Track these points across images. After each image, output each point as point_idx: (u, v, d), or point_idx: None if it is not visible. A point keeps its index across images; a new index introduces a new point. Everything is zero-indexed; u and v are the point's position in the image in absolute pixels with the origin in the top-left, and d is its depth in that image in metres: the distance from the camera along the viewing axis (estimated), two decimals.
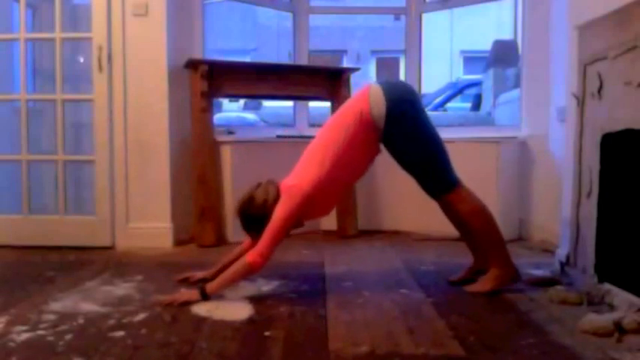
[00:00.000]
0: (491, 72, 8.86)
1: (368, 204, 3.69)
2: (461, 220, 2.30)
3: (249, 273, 2.11)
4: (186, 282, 2.34)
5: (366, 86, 2.23)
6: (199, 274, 2.35)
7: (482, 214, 2.23)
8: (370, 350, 1.61)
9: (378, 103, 2.15)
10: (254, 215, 2.19)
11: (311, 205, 2.15)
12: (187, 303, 2.03)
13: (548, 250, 2.87)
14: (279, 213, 2.10)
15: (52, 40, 3.12)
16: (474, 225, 2.25)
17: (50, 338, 1.71)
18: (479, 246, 2.34)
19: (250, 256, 2.06)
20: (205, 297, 2.05)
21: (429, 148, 2.20)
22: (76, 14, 3.43)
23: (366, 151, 2.23)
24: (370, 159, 2.29)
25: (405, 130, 2.17)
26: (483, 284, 2.22)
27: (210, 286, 2.08)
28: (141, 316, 1.92)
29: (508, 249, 2.27)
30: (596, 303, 2.00)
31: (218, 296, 2.14)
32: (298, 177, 2.18)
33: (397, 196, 3.64)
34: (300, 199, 2.12)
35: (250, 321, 1.89)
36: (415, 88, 4.00)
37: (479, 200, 2.25)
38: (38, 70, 3.57)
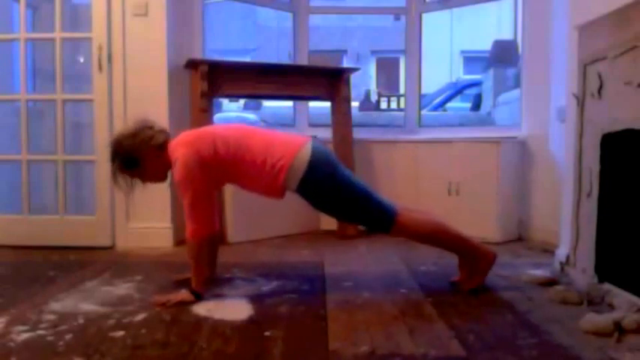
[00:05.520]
0: (491, 72, 8.89)
1: None
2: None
3: (198, 247, 2.08)
4: (185, 282, 2.33)
5: (303, 141, 2.16)
6: None
7: (428, 229, 2.21)
8: (370, 350, 1.61)
9: (297, 171, 2.08)
10: (123, 153, 2.11)
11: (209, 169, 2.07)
12: (180, 304, 2.02)
13: (548, 250, 2.87)
14: (180, 189, 2.05)
15: (52, 40, 3.13)
16: (428, 243, 2.29)
17: (50, 338, 1.71)
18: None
19: (187, 235, 2.07)
20: (198, 296, 2.06)
21: (355, 197, 2.14)
22: (76, 14, 3.43)
23: (266, 187, 2.16)
24: (270, 195, 2.21)
25: (324, 192, 2.13)
26: (470, 281, 2.23)
27: (193, 283, 2.08)
28: (141, 316, 1.92)
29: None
30: (596, 303, 2.00)
31: (218, 296, 2.14)
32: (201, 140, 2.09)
33: (396, 196, 3.64)
34: (183, 167, 2.03)
35: (250, 321, 1.88)
36: (414, 89, 4.02)
37: (421, 217, 2.24)
38: (38, 70, 3.57)
